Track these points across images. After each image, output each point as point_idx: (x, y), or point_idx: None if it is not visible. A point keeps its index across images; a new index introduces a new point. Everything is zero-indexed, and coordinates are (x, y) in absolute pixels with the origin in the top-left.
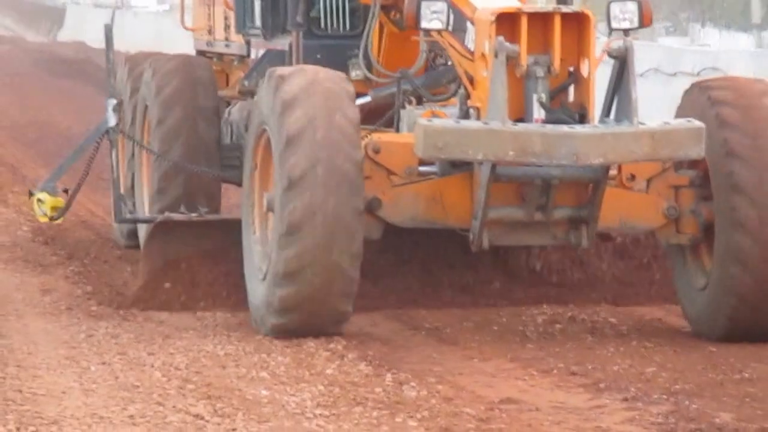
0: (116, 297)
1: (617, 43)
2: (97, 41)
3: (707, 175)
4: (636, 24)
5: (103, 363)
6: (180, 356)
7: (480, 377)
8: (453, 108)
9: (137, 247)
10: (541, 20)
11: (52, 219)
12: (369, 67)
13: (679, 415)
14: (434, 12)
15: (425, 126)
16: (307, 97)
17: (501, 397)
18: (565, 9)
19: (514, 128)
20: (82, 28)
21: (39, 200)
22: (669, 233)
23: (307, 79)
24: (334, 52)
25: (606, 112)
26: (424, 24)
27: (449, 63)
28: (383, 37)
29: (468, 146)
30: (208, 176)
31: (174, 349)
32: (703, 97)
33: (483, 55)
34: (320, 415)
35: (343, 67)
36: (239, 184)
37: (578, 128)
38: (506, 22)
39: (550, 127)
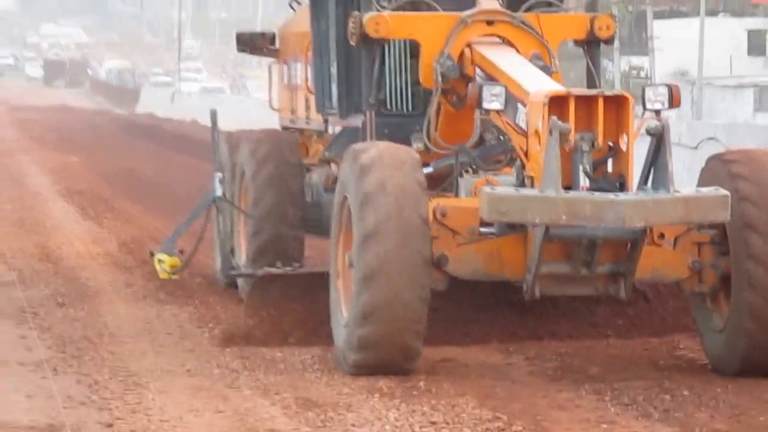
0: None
1: (654, 122)
2: (161, 111)
3: (725, 234)
4: (666, 105)
5: (169, 333)
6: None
7: None
8: (504, 177)
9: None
10: (586, 101)
11: (171, 276)
12: (429, 140)
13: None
14: (493, 95)
15: (489, 194)
16: (380, 163)
17: None
18: (608, 92)
19: (566, 195)
20: (151, 104)
21: (159, 260)
22: (693, 283)
23: (379, 150)
24: (398, 128)
25: (644, 181)
26: (485, 105)
27: (501, 138)
28: (440, 116)
29: (526, 211)
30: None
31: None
32: (723, 170)
33: (536, 131)
34: None
35: (407, 141)
36: (317, 234)
37: (622, 195)
38: (556, 103)
39: (597, 194)
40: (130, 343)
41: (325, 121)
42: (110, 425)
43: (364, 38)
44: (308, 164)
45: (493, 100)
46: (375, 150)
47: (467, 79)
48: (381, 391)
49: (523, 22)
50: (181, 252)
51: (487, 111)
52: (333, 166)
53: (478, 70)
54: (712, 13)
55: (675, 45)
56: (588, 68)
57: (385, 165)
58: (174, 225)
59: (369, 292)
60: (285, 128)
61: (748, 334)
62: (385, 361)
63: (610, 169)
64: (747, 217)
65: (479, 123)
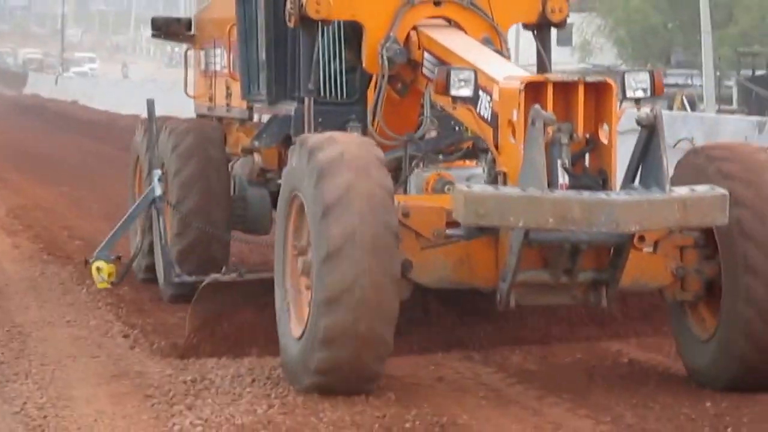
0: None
1: (645, 111)
2: (45, 93)
3: (710, 236)
4: (649, 93)
5: (51, 290)
6: None
7: None
8: (458, 170)
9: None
10: (564, 88)
11: (112, 284)
12: (374, 130)
13: None
14: (462, 80)
15: (465, 193)
16: (341, 166)
17: None
18: (589, 78)
19: (553, 196)
20: (37, 86)
21: (98, 268)
22: (675, 290)
23: (339, 148)
24: (332, 116)
25: (630, 178)
26: (453, 92)
27: (458, 128)
28: (383, 104)
29: (508, 213)
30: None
31: None
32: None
33: (509, 122)
34: None
35: (341, 130)
36: (243, 230)
37: (615, 196)
38: (532, 90)
39: (587, 194)
40: (16, 299)
41: (250, 109)
42: None
43: (304, 20)
44: (229, 154)
45: (461, 86)
46: (335, 148)
47: (413, 64)
48: None
49: (472, 4)
50: (119, 258)
51: (456, 99)
52: (257, 156)
53: (426, 55)
54: None
55: None
56: (538, 53)
57: (347, 168)
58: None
59: (332, 316)
60: (201, 116)
61: (741, 353)
62: (344, 385)
63: (588, 163)
64: (743, 225)
65: (429, 111)
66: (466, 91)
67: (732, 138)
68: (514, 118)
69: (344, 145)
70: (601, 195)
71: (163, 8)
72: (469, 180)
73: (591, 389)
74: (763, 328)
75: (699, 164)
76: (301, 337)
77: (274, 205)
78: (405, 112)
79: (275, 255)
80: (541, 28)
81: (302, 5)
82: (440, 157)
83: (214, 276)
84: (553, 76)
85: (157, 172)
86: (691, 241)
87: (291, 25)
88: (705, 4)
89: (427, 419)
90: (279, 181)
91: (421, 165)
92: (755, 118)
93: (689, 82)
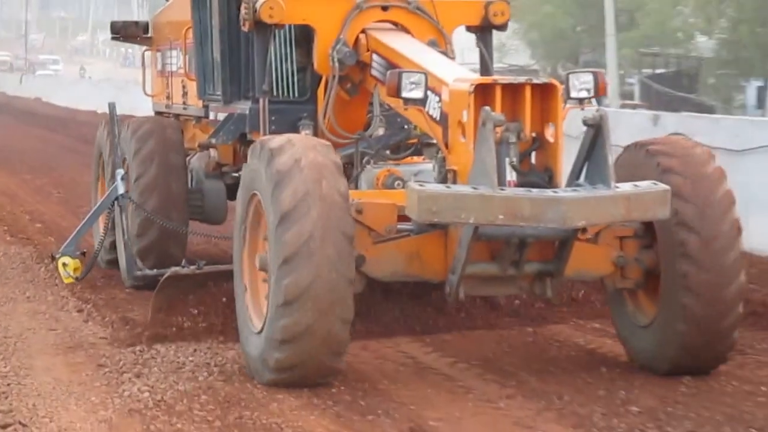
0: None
1: (591, 111)
2: (10, 91)
3: (648, 226)
4: (592, 93)
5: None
6: None
7: None
8: (406, 167)
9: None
10: (511, 90)
11: (77, 279)
12: (325, 128)
13: None
14: (413, 83)
15: (419, 191)
16: (298, 174)
17: None
18: (535, 80)
19: (503, 194)
20: (4, 86)
21: (64, 264)
22: (616, 279)
23: (297, 155)
24: (284, 114)
25: (576, 175)
26: (404, 94)
27: (406, 126)
28: (334, 103)
29: (461, 210)
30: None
31: None
32: (646, 156)
33: (459, 122)
34: None
35: (294, 129)
36: (200, 220)
37: (563, 193)
38: (480, 91)
39: (536, 192)
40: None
41: (206, 107)
42: None
43: (258, 24)
44: (187, 148)
45: (413, 88)
46: (292, 153)
47: (362, 65)
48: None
49: (418, 8)
50: (83, 254)
51: (407, 100)
52: (212, 151)
53: (375, 57)
54: None
55: None
56: (481, 55)
57: (304, 175)
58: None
59: (289, 318)
60: (159, 113)
61: (681, 339)
62: (303, 381)
63: (534, 161)
64: (682, 217)
65: (378, 111)
66: (417, 93)
67: (630, 130)
68: (464, 118)
69: (302, 151)
70: (549, 192)
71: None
72: (417, 175)
73: (499, 357)
74: (701, 313)
75: (639, 159)
76: (260, 332)
77: (230, 196)
78: (354, 111)
79: (234, 249)
80: (483, 30)
81: (256, 10)
82: (387, 152)
83: (174, 269)
84: (501, 78)
85: (120, 171)
86: (631, 232)
87: (246, 29)
88: (610, 9)
89: (351, 385)
90: (234, 175)
91: (371, 162)
92: (651, 113)
93: None
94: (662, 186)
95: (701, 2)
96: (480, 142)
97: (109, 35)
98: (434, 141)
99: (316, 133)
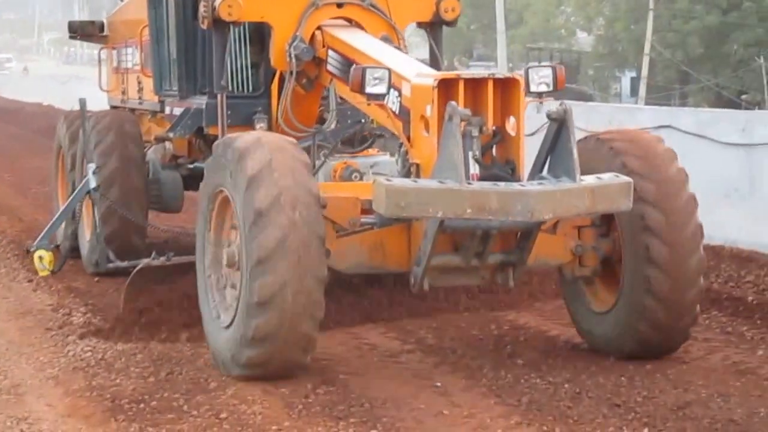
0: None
1: (554, 105)
2: None
3: (604, 215)
4: (551, 87)
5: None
6: None
7: None
8: (363, 159)
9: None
10: (474, 84)
11: (53, 272)
12: (284, 123)
13: None
14: (376, 78)
15: (387, 186)
16: (271, 175)
17: None
18: (498, 75)
19: (471, 188)
20: None
21: (40, 257)
22: (574, 267)
23: (268, 157)
24: (239, 109)
25: (539, 168)
26: (368, 89)
27: (363, 120)
28: (291, 98)
29: (429, 205)
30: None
31: None
32: (609, 152)
33: (422, 116)
34: None
35: (249, 122)
36: (157, 209)
37: (530, 186)
38: (444, 86)
39: (503, 185)
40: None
41: (162, 102)
42: None
43: (216, 22)
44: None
45: (376, 83)
46: (263, 154)
47: (317, 61)
48: None
49: (372, 5)
50: (57, 247)
51: (370, 96)
52: (168, 144)
53: (330, 53)
54: None
55: None
56: (431, 50)
57: (277, 176)
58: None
59: (262, 317)
60: (114, 107)
61: (639, 335)
62: (272, 376)
63: (495, 154)
64: (647, 220)
65: (335, 105)
66: (381, 89)
67: None
68: (428, 113)
69: (272, 152)
70: (517, 186)
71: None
72: (373, 167)
73: (398, 318)
74: (663, 316)
75: (602, 155)
76: (229, 326)
77: (186, 186)
78: (309, 106)
79: (197, 245)
80: (434, 26)
81: (215, 8)
82: (339, 145)
83: (145, 261)
84: (464, 73)
85: (92, 166)
86: (588, 221)
87: (204, 26)
88: (500, 8)
89: None
90: (189, 166)
91: (327, 154)
92: (536, 102)
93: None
94: (625, 178)
95: (581, 2)
96: (446, 137)
97: (53, 35)
98: (383, 133)
99: (270, 126)
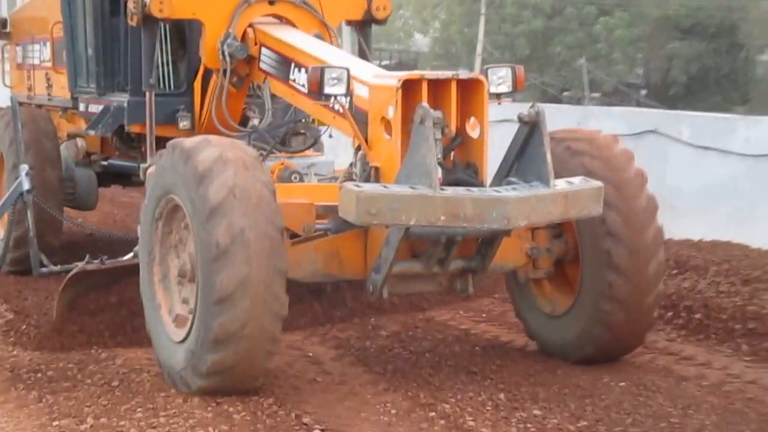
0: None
1: (528, 109)
2: None
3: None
4: (510, 88)
5: None
6: None
7: None
8: (300, 159)
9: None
10: (435, 84)
11: None
12: (218, 122)
13: None
14: (335, 78)
15: (357, 192)
16: (223, 167)
17: None
18: (462, 75)
19: (444, 194)
20: None
21: None
22: (528, 269)
23: (217, 151)
24: (163, 107)
25: (506, 172)
26: (327, 90)
27: (304, 120)
28: (226, 96)
29: (401, 212)
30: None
31: None
32: (566, 152)
33: (383, 118)
34: None
35: (172, 120)
36: (71, 207)
37: (505, 192)
38: (406, 87)
39: (477, 191)
40: None
41: (75, 98)
42: None
43: (146, 19)
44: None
45: (334, 83)
46: (212, 150)
47: (249, 59)
48: None
49: (304, 2)
50: None
51: (329, 96)
52: (80, 141)
53: (264, 50)
54: None
55: None
56: (360, 48)
57: (229, 168)
58: None
59: (225, 315)
60: (20, 103)
61: (598, 341)
62: (236, 384)
63: (455, 157)
64: (608, 225)
65: (269, 104)
66: (340, 89)
67: None
68: (390, 114)
69: (220, 148)
70: (492, 192)
71: None
72: (310, 168)
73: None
74: (622, 321)
75: (559, 155)
76: (184, 341)
77: (100, 183)
78: (237, 104)
79: (140, 260)
80: (364, 24)
81: (146, 5)
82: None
83: (80, 266)
84: (428, 74)
85: (25, 167)
86: (543, 223)
87: (133, 24)
88: None
89: None
90: (103, 163)
91: (266, 155)
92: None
93: None
94: (595, 183)
95: (419, 7)
96: (418, 140)
97: None
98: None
99: (193, 124)
